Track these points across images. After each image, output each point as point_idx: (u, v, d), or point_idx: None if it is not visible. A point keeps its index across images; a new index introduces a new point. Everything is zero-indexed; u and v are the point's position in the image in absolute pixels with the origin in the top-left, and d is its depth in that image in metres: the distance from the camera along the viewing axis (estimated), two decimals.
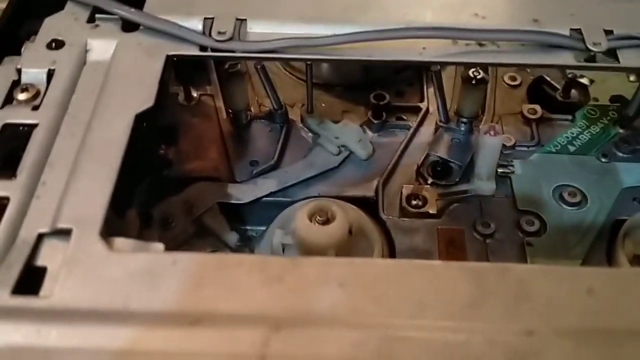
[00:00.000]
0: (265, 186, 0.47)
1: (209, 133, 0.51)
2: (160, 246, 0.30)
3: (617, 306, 0.26)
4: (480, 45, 0.37)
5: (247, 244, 0.46)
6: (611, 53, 0.37)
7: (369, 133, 0.51)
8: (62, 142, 0.33)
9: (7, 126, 0.33)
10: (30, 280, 0.28)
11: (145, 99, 0.34)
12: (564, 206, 0.45)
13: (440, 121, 0.50)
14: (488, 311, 0.26)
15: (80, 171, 0.32)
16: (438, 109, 0.50)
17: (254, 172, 0.48)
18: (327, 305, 0.26)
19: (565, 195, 0.45)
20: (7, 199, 0.30)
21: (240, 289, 0.27)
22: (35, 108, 0.34)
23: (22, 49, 0.40)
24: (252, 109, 0.51)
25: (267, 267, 0.28)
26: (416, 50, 0.37)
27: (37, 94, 0.35)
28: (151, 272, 0.28)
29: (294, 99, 0.53)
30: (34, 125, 0.33)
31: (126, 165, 0.32)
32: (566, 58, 0.36)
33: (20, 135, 0.33)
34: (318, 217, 0.40)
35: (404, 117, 0.52)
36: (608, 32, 0.37)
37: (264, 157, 0.49)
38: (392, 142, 0.50)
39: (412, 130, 0.50)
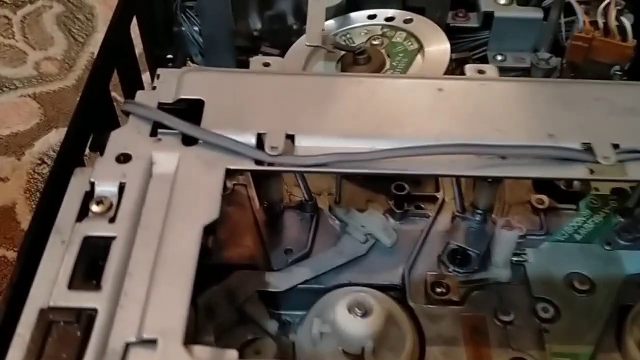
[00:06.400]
0: (300, 274, 0.50)
1: (243, 221, 0.55)
2: (234, 353, 0.34)
3: None
4: (502, 158, 0.42)
5: (283, 330, 0.50)
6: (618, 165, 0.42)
7: (392, 221, 0.55)
8: (138, 253, 0.37)
9: (87, 239, 0.37)
10: None
11: (210, 211, 0.38)
12: (575, 293, 0.49)
13: (457, 211, 0.54)
14: None
15: (158, 281, 0.35)
16: (455, 200, 0.55)
17: (289, 260, 0.52)
18: None
19: (576, 283, 0.49)
20: (95, 310, 0.34)
21: None
22: (111, 220, 0.38)
23: (85, 158, 0.45)
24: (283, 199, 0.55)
25: None
26: (445, 164, 0.42)
27: (111, 206, 0.39)
28: None
29: (319, 187, 0.57)
30: (112, 238, 0.37)
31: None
32: (579, 171, 0.41)
33: (99, 247, 0.37)
34: (357, 310, 0.44)
35: (422, 206, 0.56)
36: (615, 146, 0.42)
37: (297, 245, 0.53)
38: (412, 230, 0.54)
39: (431, 219, 0.55)
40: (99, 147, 0.43)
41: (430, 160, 0.42)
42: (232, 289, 0.49)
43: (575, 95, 0.46)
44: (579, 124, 0.44)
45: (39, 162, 0.76)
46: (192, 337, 0.36)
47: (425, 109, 0.45)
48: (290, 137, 0.42)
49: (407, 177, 0.50)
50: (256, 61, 0.50)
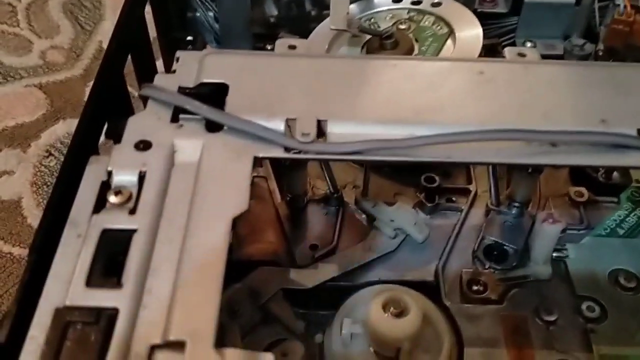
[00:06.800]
0: (326, 271, 0.48)
1: (265, 215, 0.52)
2: (270, 357, 0.30)
3: None
4: (552, 145, 0.39)
5: (309, 331, 0.47)
6: None
7: (422, 215, 0.52)
8: (162, 247, 0.33)
9: (106, 232, 0.34)
10: None
11: (239, 202, 0.35)
12: (621, 291, 0.46)
13: (492, 204, 0.51)
14: None
15: (184, 279, 0.32)
16: (490, 192, 0.51)
17: (315, 256, 0.48)
18: None
19: (621, 280, 0.46)
20: (116, 310, 0.31)
21: None
22: (132, 212, 0.35)
23: (99, 146, 0.42)
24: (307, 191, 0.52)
25: None
26: (491, 151, 0.39)
27: (130, 196, 0.36)
28: None
29: (343, 179, 0.54)
30: (133, 231, 0.34)
31: None
32: (635, 159, 0.38)
33: (119, 240, 0.34)
34: (392, 309, 0.41)
35: (453, 199, 0.53)
36: None
37: (323, 240, 0.50)
38: (444, 225, 0.51)
39: (464, 213, 0.52)
40: (115, 135, 0.40)
41: (475, 148, 0.38)
42: (255, 286, 0.46)
43: (626, 78, 0.43)
44: (633, 108, 0.41)
45: (45, 154, 0.73)
46: (221, 340, 0.33)
47: (467, 93, 0.42)
48: (322, 123, 0.39)
49: (452, 165, 0.47)
50: (281, 44, 0.46)
